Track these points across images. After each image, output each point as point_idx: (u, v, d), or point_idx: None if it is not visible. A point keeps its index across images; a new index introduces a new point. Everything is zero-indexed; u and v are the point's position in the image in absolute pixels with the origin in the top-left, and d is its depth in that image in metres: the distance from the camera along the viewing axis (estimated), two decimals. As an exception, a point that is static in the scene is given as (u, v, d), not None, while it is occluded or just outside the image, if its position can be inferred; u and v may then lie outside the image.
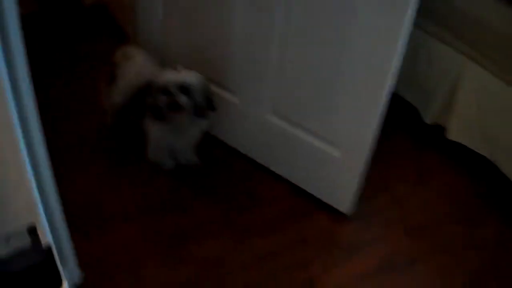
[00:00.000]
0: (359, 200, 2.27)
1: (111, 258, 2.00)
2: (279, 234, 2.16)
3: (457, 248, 2.20)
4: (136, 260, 2.00)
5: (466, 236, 2.26)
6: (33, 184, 0.58)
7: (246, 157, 2.46)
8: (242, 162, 2.46)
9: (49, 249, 0.59)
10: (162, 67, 2.31)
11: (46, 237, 0.60)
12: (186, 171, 2.39)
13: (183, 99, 2.06)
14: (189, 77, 2.09)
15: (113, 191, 2.26)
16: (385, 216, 2.30)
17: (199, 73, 2.14)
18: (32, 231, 0.59)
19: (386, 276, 2.06)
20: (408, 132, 2.76)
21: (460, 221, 2.32)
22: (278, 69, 2.10)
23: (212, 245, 2.08)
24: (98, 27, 3.19)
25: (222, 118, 2.39)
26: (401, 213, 2.32)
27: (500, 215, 2.36)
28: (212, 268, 2.01)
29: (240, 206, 2.26)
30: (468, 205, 2.41)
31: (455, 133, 2.52)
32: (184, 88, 2.06)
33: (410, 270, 2.09)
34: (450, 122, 2.53)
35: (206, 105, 2.14)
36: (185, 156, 2.39)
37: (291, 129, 2.21)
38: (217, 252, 2.06)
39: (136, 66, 2.30)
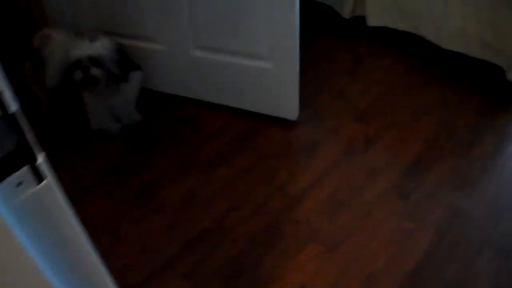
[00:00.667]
0: (304, 103, 2.34)
1: (89, 231, 2.02)
2: (238, 157, 2.22)
3: (407, 120, 2.30)
4: (112, 225, 2.03)
5: (413, 106, 2.37)
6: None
7: (185, 98, 2.50)
8: (183, 104, 2.50)
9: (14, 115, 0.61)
10: (81, 39, 2.30)
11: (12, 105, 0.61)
12: (132, 130, 2.41)
13: (95, 71, 2.08)
14: (100, 47, 2.09)
15: (68, 170, 2.27)
16: (332, 110, 2.38)
17: (118, 32, 2.14)
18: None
19: (348, 162, 2.15)
20: (333, 31, 2.83)
21: (403, 95, 2.43)
22: (189, 2, 2.12)
23: (179, 188, 2.13)
24: (5, 19, 3.13)
25: (151, 68, 2.41)
26: (346, 103, 2.41)
27: (437, 80, 2.47)
28: (186, 207, 2.06)
29: (192, 144, 2.31)
30: (406, 79, 2.51)
31: (374, 19, 2.60)
32: (95, 60, 2.07)
33: (370, 150, 2.19)
34: (367, 10, 2.60)
35: (124, 69, 2.16)
36: (127, 115, 2.40)
37: (218, 57, 2.25)
38: (186, 192, 2.11)
39: (58, 45, 2.27)
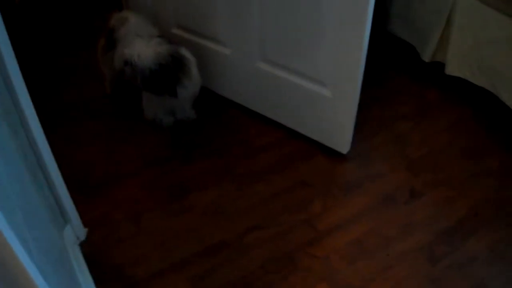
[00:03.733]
0: (359, 139, 2.29)
1: (114, 214, 2.05)
2: (277, 178, 2.18)
3: (459, 180, 2.18)
4: (138, 214, 2.04)
5: (469, 168, 2.24)
6: None
7: (241, 107, 2.49)
8: (238, 112, 2.49)
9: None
10: (156, 28, 2.34)
11: None
12: (184, 126, 2.42)
13: (130, 74, 2.12)
14: (143, 54, 2.09)
15: (114, 152, 2.31)
16: (386, 153, 2.30)
17: (191, 29, 2.14)
18: None
19: (386, 210, 2.06)
20: (408, 72, 2.74)
21: (463, 153, 2.30)
22: (261, 16, 2.11)
23: (212, 194, 2.12)
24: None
25: (215, 70, 2.42)
26: (402, 149, 2.32)
27: (503, 145, 2.33)
28: (213, 215, 2.04)
29: (238, 154, 2.29)
30: (471, 137, 2.38)
31: (453, 68, 2.49)
32: (130, 63, 2.10)
33: (412, 203, 2.09)
34: (447, 57, 2.49)
35: (160, 84, 2.15)
36: (182, 111, 2.41)
37: (280, 74, 2.22)
38: (217, 200, 2.10)
39: (132, 29, 2.31)
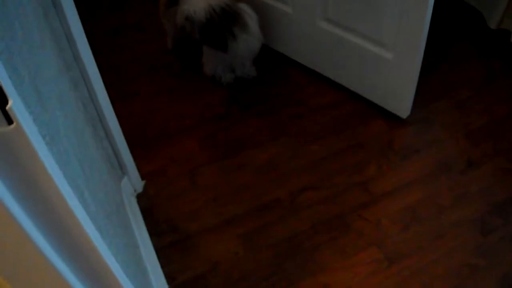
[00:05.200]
0: (419, 105, 2.24)
1: (170, 168, 2.10)
2: (334, 139, 2.18)
3: (519, 152, 2.13)
4: (193, 169, 2.09)
5: (530, 139, 2.18)
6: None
7: (302, 66, 2.47)
8: (297, 71, 2.48)
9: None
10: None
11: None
12: (243, 83, 2.43)
13: (187, 27, 2.14)
14: (194, 7, 2.10)
15: (172, 107, 2.35)
16: (446, 120, 2.25)
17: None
18: None
19: (441, 178, 2.03)
20: (473, 39, 2.65)
21: (525, 124, 2.24)
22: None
23: (268, 152, 2.14)
24: None
25: (277, 28, 2.40)
26: (462, 116, 2.26)
27: None
28: (267, 172, 2.07)
29: (295, 113, 2.29)
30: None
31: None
32: (189, 18, 2.12)
33: (468, 173, 2.05)
34: (513, 25, 2.40)
35: (212, 35, 2.16)
36: (242, 69, 2.42)
37: (342, 34, 2.18)
38: (271, 158, 2.12)
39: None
